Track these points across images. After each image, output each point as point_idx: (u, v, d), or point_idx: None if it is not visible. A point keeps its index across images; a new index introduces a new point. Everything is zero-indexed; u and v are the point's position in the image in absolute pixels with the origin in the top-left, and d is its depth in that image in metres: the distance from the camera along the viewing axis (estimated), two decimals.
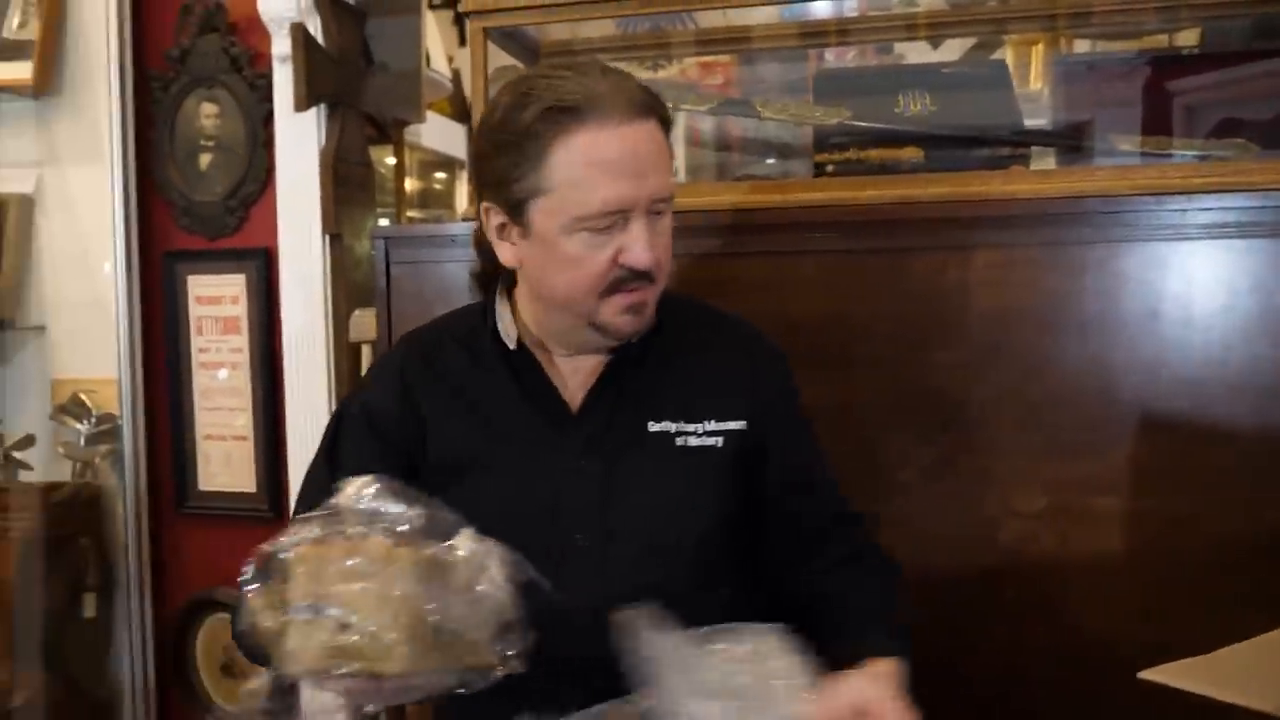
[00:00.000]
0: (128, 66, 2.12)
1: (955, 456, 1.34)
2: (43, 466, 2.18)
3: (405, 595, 0.78)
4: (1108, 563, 1.30)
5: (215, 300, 2.13)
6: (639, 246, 0.98)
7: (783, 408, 1.13)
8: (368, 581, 0.78)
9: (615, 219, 0.98)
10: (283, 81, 1.96)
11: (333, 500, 0.86)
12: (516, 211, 1.01)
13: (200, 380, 2.15)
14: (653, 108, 1.00)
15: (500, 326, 1.10)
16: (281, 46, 1.94)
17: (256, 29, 2.01)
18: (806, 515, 1.12)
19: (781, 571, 1.13)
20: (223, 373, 2.12)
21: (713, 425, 1.08)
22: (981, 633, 1.34)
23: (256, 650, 0.88)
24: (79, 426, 2.13)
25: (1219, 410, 1.29)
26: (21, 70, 2.10)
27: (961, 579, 1.35)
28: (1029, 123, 1.61)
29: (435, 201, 4.04)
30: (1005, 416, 1.34)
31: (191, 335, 2.15)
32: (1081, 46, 2.01)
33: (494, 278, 1.14)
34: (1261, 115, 1.44)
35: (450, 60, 3.21)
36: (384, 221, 2.53)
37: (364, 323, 2.04)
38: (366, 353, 2.05)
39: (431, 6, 2.66)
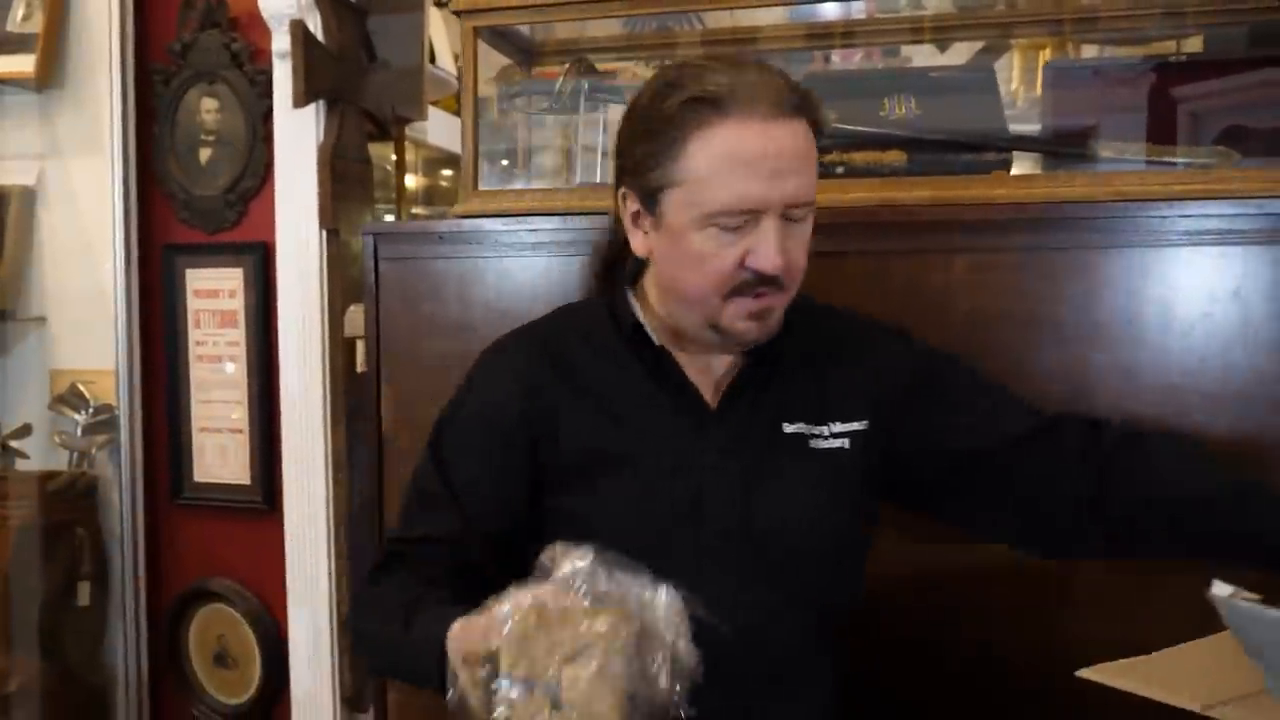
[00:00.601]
0: (129, 60, 2.15)
1: None
2: (40, 456, 2.21)
3: (619, 674, 0.76)
4: (1080, 566, 1.31)
5: (213, 294, 2.15)
6: (768, 249, 0.95)
7: (923, 378, 1.10)
8: (583, 659, 0.76)
9: (747, 218, 0.95)
10: (282, 77, 1.99)
11: (548, 567, 0.82)
12: (651, 200, 1.00)
13: (197, 373, 2.17)
14: (801, 108, 0.97)
15: (641, 319, 1.07)
16: (281, 43, 1.96)
17: (257, 25, 2.03)
18: (1040, 432, 1.07)
19: (1075, 505, 1.04)
20: (229, 366, 2.14)
21: (839, 427, 1.06)
22: (956, 632, 1.35)
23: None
24: (77, 417, 2.16)
25: (1196, 417, 1.29)
26: (24, 63, 2.13)
27: (938, 581, 1.36)
28: (1022, 128, 1.61)
29: (441, 198, 4.06)
30: None
31: (189, 328, 2.17)
32: (1089, 52, 2.01)
33: (616, 269, 1.13)
34: (1246, 123, 1.44)
35: (456, 58, 3.23)
36: (389, 218, 2.55)
37: (359, 318, 2.04)
38: (361, 348, 2.06)
39: (437, 4, 2.68)
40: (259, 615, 2.12)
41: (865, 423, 1.08)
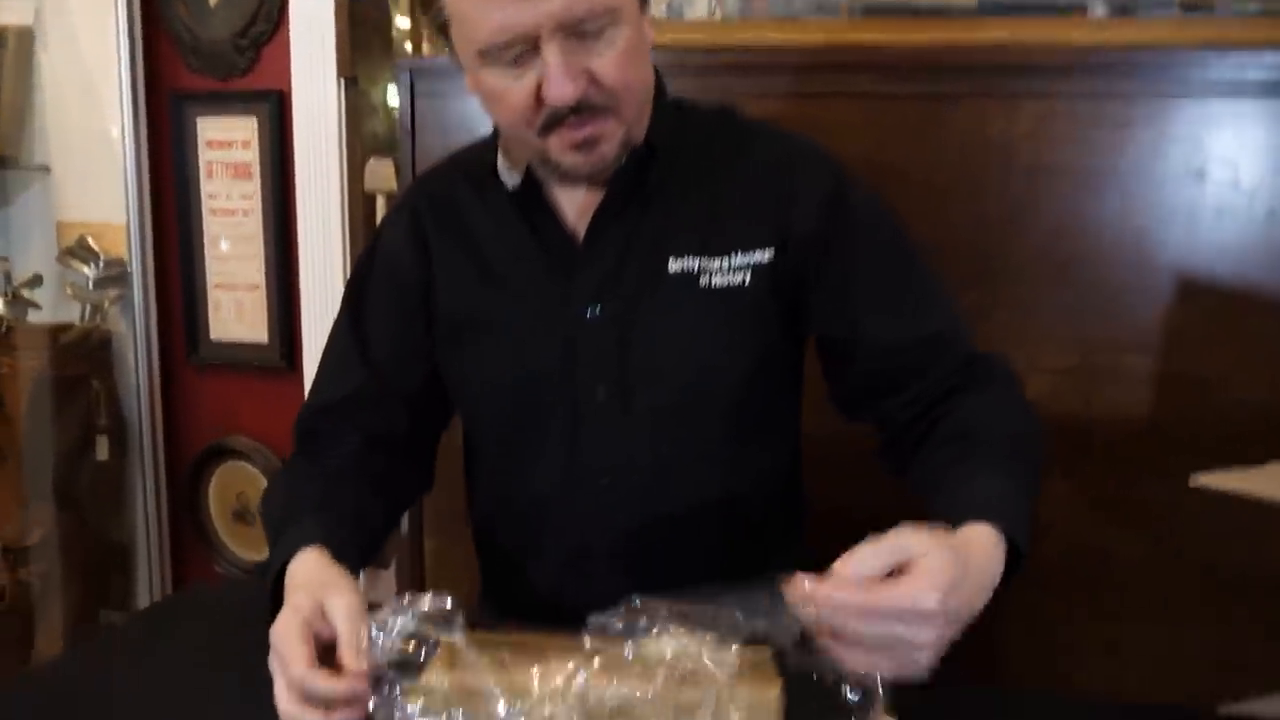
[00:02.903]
0: None
1: (987, 310, 1.33)
2: (51, 310, 2.16)
3: None
4: (1134, 422, 1.31)
5: (226, 144, 2.07)
6: (553, 78, 0.82)
7: (834, 223, 0.94)
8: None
9: (522, 49, 0.83)
10: None
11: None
12: (448, 41, 0.90)
13: (211, 227, 2.11)
14: None
15: (501, 162, 0.97)
16: None
17: None
18: (881, 349, 0.93)
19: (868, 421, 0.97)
20: (244, 221, 2.08)
21: (738, 259, 0.93)
22: None
23: None
24: (86, 271, 2.10)
25: (1257, 275, 1.27)
26: None
27: None
28: None
29: None
30: (1040, 272, 1.32)
31: (201, 180, 2.10)
32: None
33: None
34: None
35: None
36: None
37: (380, 172, 2.00)
38: (381, 204, 2.01)
39: None
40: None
41: (770, 252, 0.93)
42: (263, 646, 0.73)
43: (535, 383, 0.96)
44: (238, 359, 2.12)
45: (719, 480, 0.98)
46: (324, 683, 0.70)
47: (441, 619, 0.70)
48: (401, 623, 0.70)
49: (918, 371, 0.92)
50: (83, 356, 2.09)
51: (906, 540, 0.67)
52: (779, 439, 1.04)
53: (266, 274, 2.08)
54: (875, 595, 0.65)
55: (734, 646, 0.68)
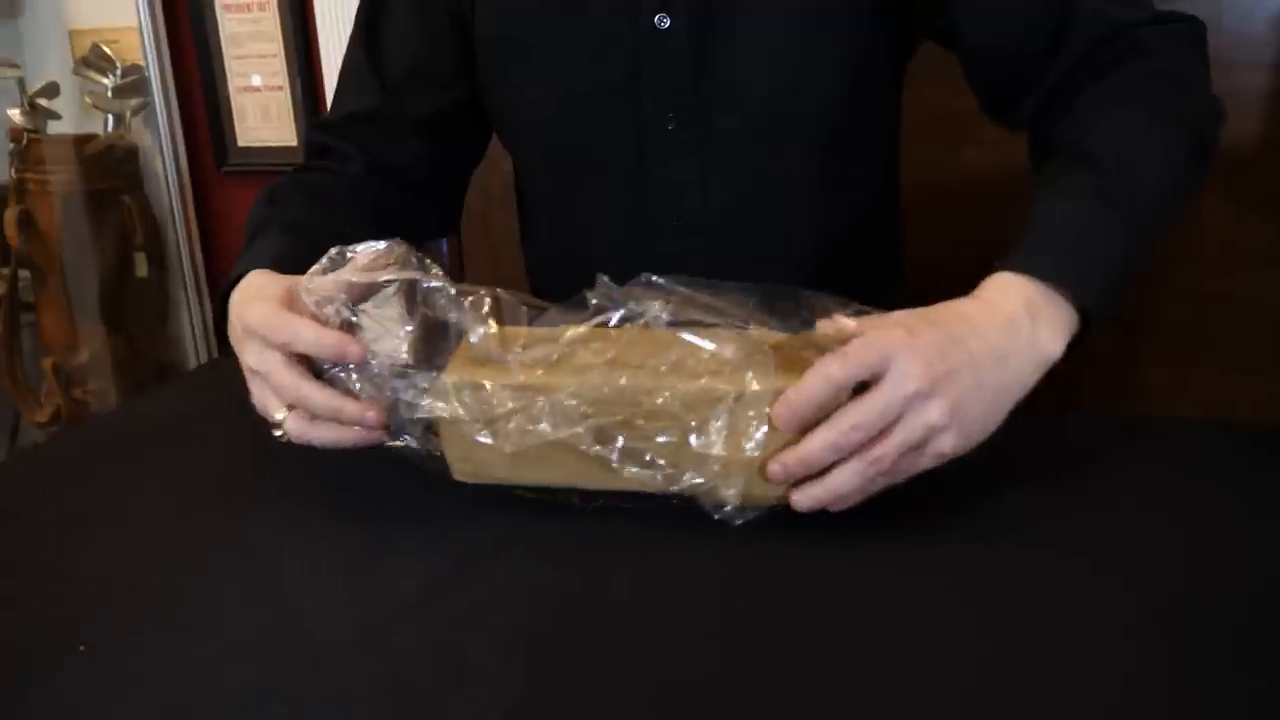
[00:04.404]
0: None
1: None
2: (72, 122, 2.08)
3: None
4: None
5: None
6: None
7: None
8: None
9: None
10: None
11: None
12: None
13: (227, 26, 1.99)
14: None
15: None
16: None
17: None
18: (988, 38, 0.78)
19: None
20: (261, 16, 1.95)
21: None
22: None
23: None
24: (104, 80, 2.01)
25: None
26: None
27: None
28: None
29: None
30: None
31: None
32: None
33: None
34: None
35: None
36: None
37: None
38: None
39: None
40: None
41: None
42: None
43: (594, 110, 0.85)
44: (268, 165, 2.04)
45: (806, 222, 0.87)
46: (348, 405, 0.62)
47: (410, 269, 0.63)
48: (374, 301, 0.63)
49: (1041, 59, 0.75)
50: (111, 170, 2.02)
51: (864, 355, 0.55)
52: (876, 177, 0.92)
53: (289, 73, 1.97)
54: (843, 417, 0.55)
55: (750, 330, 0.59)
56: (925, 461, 0.57)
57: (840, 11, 0.80)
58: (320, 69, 1.92)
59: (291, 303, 0.65)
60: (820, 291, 0.61)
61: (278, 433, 0.65)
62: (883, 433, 0.56)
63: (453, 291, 0.62)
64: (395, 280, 0.64)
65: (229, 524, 0.66)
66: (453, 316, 0.62)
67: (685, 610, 0.54)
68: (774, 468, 0.56)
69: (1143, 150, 0.66)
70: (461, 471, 0.63)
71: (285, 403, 0.64)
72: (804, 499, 0.57)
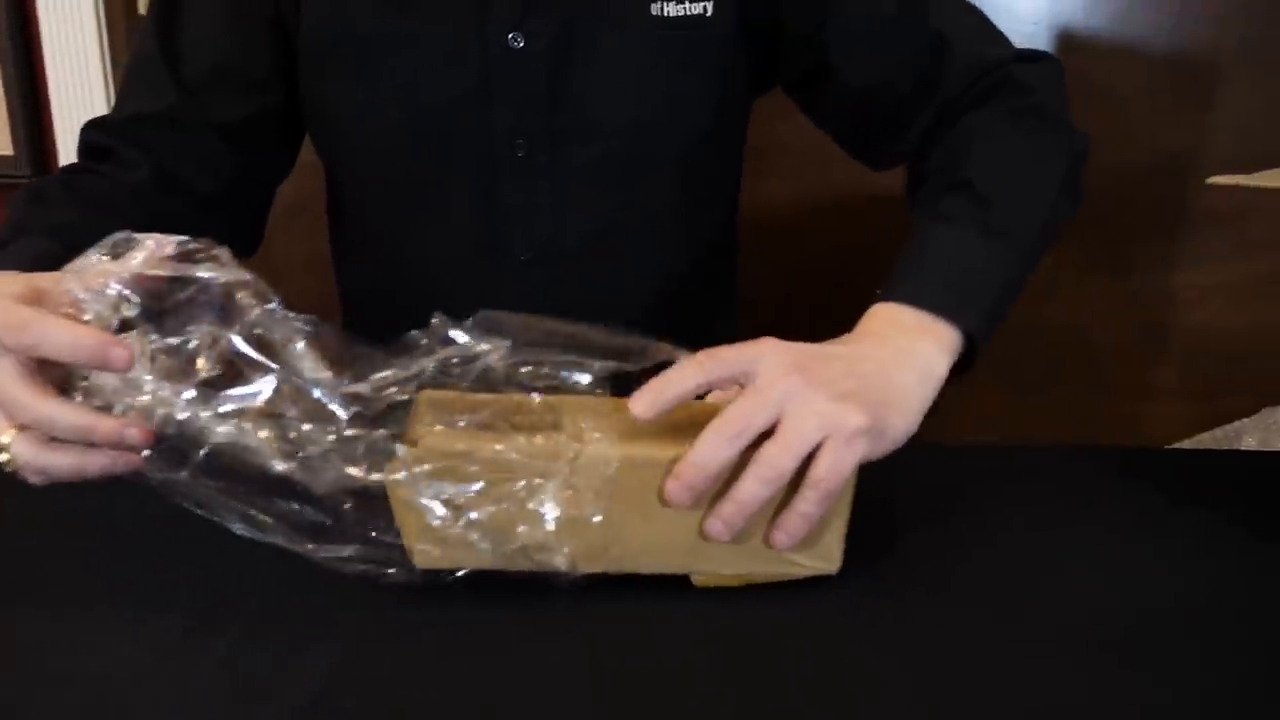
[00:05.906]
0: None
1: None
2: None
3: None
4: None
5: None
6: None
7: None
8: None
9: None
10: None
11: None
12: None
13: None
14: None
15: None
16: None
17: None
18: (859, 80, 0.78)
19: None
20: None
21: None
22: None
23: None
24: None
25: None
26: None
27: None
28: None
29: None
30: None
31: None
32: None
33: None
34: None
35: None
36: None
37: None
38: None
39: None
40: None
41: None
42: None
43: (436, 126, 0.79)
44: None
45: (658, 257, 0.85)
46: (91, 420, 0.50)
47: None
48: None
49: (915, 100, 0.77)
50: None
51: (729, 353, 0.54)
52: (727, 212, 0.92)
53: (4, 75, 1.71)
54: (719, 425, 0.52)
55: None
56: (846, 453, 0.52)
57: (707, 46, 0.79)
58: (44, 71, 1.71)
59: (38, 300, 0.53)
60: (664, 340, 0.58)
61: (2, 457, 0.53)
62: (774, 430, 0.52)
63: (281, 309, 0.53)
64: (207, 279, 0.53)
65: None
66: (277, 336, 0.52)
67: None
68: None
69: (1020, 179, 0.69)
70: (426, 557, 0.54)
71: (14, 423, 0.51)
72: (713, 521, 0.53)
